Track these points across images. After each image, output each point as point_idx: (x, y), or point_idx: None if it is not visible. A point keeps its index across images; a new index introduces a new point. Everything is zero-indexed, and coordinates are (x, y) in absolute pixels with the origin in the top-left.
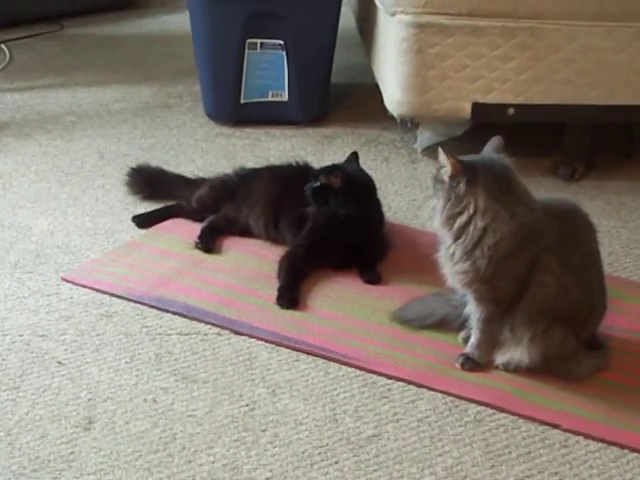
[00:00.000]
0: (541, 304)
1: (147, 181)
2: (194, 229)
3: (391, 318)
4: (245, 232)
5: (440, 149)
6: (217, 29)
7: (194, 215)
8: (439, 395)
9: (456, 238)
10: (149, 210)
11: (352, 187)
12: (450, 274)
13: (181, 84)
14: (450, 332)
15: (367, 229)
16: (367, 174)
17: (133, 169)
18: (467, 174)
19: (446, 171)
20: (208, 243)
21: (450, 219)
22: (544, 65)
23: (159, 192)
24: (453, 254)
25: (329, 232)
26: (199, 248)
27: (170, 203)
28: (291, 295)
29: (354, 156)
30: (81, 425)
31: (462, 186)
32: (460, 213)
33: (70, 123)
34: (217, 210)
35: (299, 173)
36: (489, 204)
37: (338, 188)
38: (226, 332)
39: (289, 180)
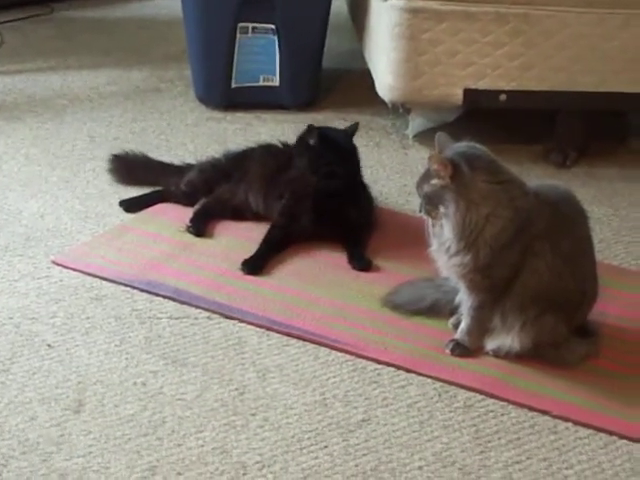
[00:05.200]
0: (533, 290)
1: (130, 168)
2: (185, 213)
3: (381, 303)
4: (238, 214)
5: (429, 156)
6: (209, 13)
7: (184, 199)
8: (429, 380)
9: (459, 233)
10: (138, 195)
11: (328, 147)
12: (446, 267)
13: (172, 68)
14: (440, 318)
15: (347, 195)
16: (348, 139)
17: (115, 156)
18: (461, 165)
19: (442, 176)
20: (199, 227)
21: (456, 213)
22: (536, 51)
23: (143, 179)
24: (449, 248)
25: (309, 195)
26: (190, 232)
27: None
28: (256, 262)
29: (353, 126)
30: (71, 408)
31: (461, 177)
32: (468, 208)
33: (61, 106)
34: (209, 192)
35: (289, 146)
36: (489, 190)
37: (315, 146)
38: (216, 316)
39: (284, 154)
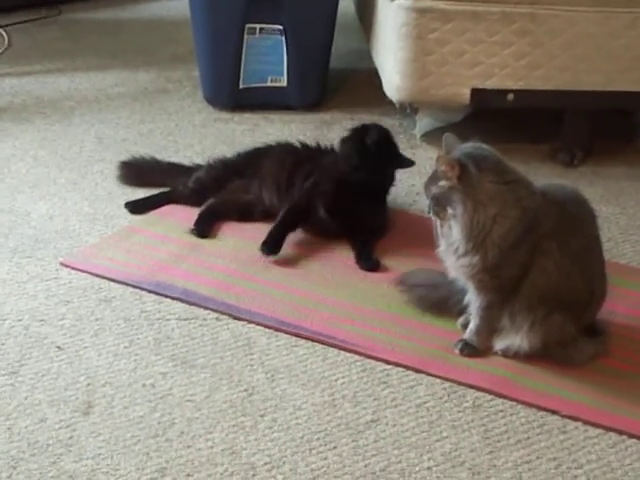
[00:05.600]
0: (541, 290)
1: (139, 172)
2: (192, 214)
3: (394, 283)
4: (245, 214)
5: (437, 157)
6: (216, 14)
7: (192, 198)
8: (438, 381)
9: (467, 234)
10: (144, 196)
11: (379, 154)
12: (454, 268)
13: (180, 69)
14: (449, 318)
15: (369, 198)
16: (401, 163)
17: (123, 162)
18: (467, 167)
19: (449, 177)
20: (204, 229)
21: (471, 219)
22: (543, 51)
23: (153, 181)
24: (457, 248)
25: (333, 184)
26: (193, 234)
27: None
28: (275, 242)
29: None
30: (80, 410)
31: (469, 178)
32: (475, 209)
33: (69, 108)
34: (218, 189)
35: (307, 146)
36: (496, 190)
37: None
38: (225, 317)
39: (301, 152)
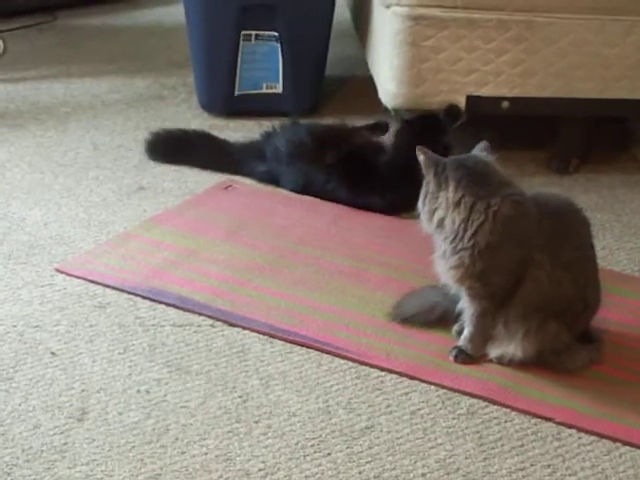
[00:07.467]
0: (535, 299)
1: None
2: (188, 220)
3: (390, 317)
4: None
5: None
6: (212, 21)
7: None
8: (432, 387)
9: (439, 234)
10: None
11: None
12: (443, 272)
13: (175, 76)
14: (444, 325)
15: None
16: None
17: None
18: (435, 169)
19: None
20: None
21: (428, 214)
22: (538, 58)
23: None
24: (445, 251)
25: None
26: None
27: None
28: None
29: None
30: (74, 416)
31: (432, 181)
32: (436, 209)
33: (64, 114)
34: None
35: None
36: (460, 197)
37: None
38: (220, 323)
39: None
